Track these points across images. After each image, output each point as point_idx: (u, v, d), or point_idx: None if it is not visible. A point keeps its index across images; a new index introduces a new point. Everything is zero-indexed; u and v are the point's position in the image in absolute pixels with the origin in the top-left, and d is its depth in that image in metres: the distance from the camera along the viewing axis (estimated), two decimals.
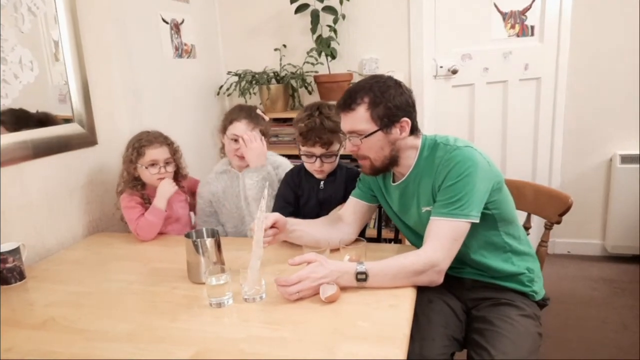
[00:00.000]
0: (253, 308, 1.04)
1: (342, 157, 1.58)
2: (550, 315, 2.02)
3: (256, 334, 0.93)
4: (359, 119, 1.17)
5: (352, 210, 1.38)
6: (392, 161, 1.22)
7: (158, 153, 1.60)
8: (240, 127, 1.62)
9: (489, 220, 1.19)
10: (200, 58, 2.44)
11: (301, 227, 1.29)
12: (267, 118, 1.71)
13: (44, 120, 1.54)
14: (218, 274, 1.06)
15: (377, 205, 1.42)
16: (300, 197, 1.57)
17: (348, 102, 1.18)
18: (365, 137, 1.17)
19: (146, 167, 1.59)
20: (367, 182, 1.37)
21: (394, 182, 1.30)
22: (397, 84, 1.19)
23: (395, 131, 1.18)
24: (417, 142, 1.23)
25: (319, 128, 1.42)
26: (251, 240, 1.11)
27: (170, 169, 1.64)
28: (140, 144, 1.60)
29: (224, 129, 1.67)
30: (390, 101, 1.15)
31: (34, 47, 1.49)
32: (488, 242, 1.23)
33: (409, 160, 1.23)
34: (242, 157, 1.64)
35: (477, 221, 1.12)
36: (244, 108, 1.69)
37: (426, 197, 1.20)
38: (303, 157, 1.50)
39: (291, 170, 1.63)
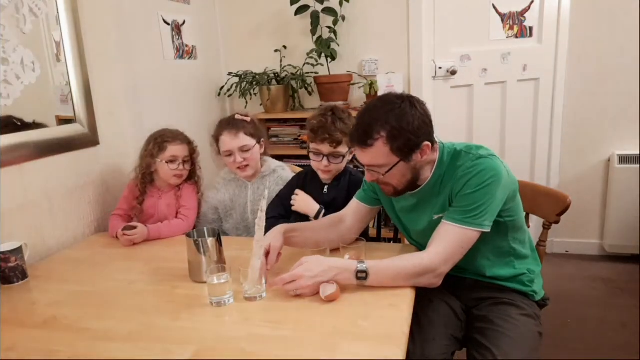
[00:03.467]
0: (253, 307, 1.05)
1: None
2: (549, 314, 2.01)
3: (256, 333, 0.94)
4: (378, 155, 1.10)
5: (354, 213, 1.37)
6: (413, 182, 1.19)
7: (179, 150, 1.64)
8: (225, 141, 1.62)
9: (501, 228, 1.19)
10: (201, 59, 2.45)
11: (299, 233, 1.28)
12: (248, 119, 1.67)
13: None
14: (219, 273, 1.07)
15: (379, 207, 1.41)
16: None
17: (364, 139, 1.09)
18: (387, 171, 1.13)
19: (166, 162, 1.62)
20: (372, 185, 1.34)
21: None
22: (412, 104, 1.10)
23: (416, 157, 1.12)
24: (435, 155, 1.19)
25: (330, 126, 1.43)
26: (252, 239, 1.12)
27: (188, 167, 1.68)
28: (162, 139, 1.64)
29: (218, 150, 1.67)
30: (409, 130, 1.08)
31: (36, 47, 1.49)
32: (496, 247, 1.22)
33: (426, 173, 1.20)
34: (244, 169, 1.64)
35: (489, 231, 1.11)
36: (223, 121, 1.69)
37: (441, 204, 1.18)
38: (311, 155, 1.50)
39: (298, 173, 1.65)
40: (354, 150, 1.48)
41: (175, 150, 1.63)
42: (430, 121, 1.14)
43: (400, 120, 1.08)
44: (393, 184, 1.17)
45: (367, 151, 1.11)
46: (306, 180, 1.59)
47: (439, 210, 1.19)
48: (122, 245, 1.53)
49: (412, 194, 1.25)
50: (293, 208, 1.51)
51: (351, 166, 1.64)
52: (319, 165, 1.49)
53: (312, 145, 1.48)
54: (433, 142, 1.15)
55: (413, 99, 1.13)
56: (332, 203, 1.51)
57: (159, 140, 1.63)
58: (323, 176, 1.53)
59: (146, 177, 1.66)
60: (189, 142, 1.69)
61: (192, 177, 1.73)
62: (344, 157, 1.48)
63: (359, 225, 1.36)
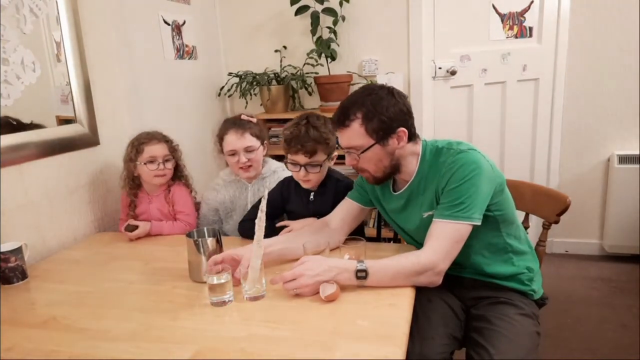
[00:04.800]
0: (253, 307, 1.05)
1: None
2: (549, 314, 2.03)
3: (256, 333, 0.94)
4: (354, 135, 1.16)
5: (344, 213, 1.36)
6: (394, 170, 1.22)
7: (156, 149, 1.63)
8: (231, 140, 1.61)
9: (491, 222, 1.20)
10: (201, 59, 2.45)
11: (279, 246, 1.25)
12: (254, 120, 1.67)
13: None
14: (219, 273, 1.07)
15: (370, 209, 1.41)
16: (291, 213, 1.54)
17: (342, 119, 1.17)
18: (363, 152, 1.17)
19: (145, 164, 1.62)
20: (364, 185, 1.36)
21: (395, 190, 1.29)
22: (390, 92, 1.17)
23: (393, 142, 1.17)
24: (417, 147, 1.23)
25: (303, 136, 1.40)
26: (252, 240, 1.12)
27: (170, 165, 1.66)
28: (139, 141, 1.64)
29: (221, 149, 1.66)
30: (384, 113, 1.14)
31: (36, 48, 1.49)
32: (490, 243, 1.23)
33: (410, 166, 1.23)
34: (247, 169, 1.63)
35: (479, 224, 1.12)
36: (229, 120, 1.69)
37: (429, 202, 1.20)
38: (289, 166, 1.47)
39: (283, 180, 1.61)
40: (334, 156, 1.49)
41: (153, 150, 1.62)
42: (409, 112, 1.19)
43: (375, 104, 1.15)
44: (371, 170, 1.21)
45: (344, 132, 1.18)
46: (290, 189, 1.55)
47: (427, 208, 1.20)
48: (127, 238, 1.58)
49: (399, 194, 1.27)
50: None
51: (341, 171, 1.61)
52: (297, 175, 1.47)
53: (288, 156, 1.45)
54: (412, 131, 1.19)
55: (394, 90, 1.19)
56: (318, 211, 1.47)
57: (136, 144, 1.63)
58: (304, 185, 1.50)
59: (131, 183, 1.66)
60: (167, 141, 1.67)
61: (180, 177, 1.72)
62: (321, 165, 1.45)
63: (347, 226, 1.36)
